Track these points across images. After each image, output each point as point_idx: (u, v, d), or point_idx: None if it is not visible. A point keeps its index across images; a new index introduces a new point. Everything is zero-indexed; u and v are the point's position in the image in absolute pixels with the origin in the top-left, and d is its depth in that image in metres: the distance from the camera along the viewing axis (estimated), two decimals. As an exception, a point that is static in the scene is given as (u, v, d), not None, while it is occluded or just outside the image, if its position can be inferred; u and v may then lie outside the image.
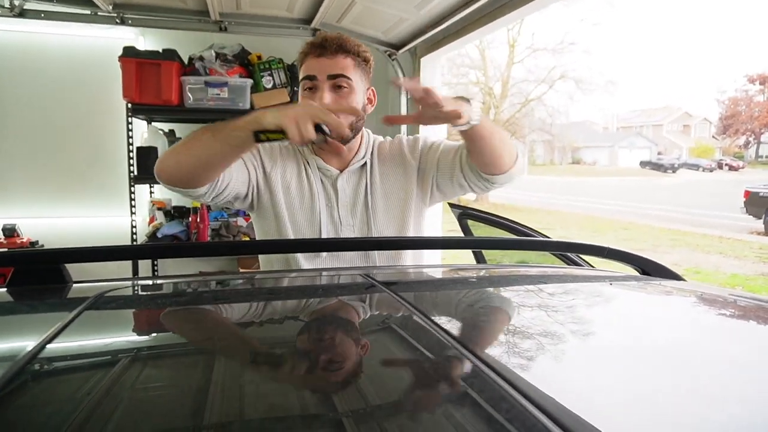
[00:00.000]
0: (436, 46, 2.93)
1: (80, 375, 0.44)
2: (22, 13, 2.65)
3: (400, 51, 3.11)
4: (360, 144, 1.38)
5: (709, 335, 0.57)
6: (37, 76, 3.11)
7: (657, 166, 31.20)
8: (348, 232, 1.34)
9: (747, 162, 31.70)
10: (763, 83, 29.82)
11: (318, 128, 0.97)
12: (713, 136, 37.20)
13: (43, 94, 3.13)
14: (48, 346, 0.46)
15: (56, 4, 2.63)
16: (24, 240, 3.02)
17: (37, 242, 3.09)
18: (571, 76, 18.66)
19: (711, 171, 29.74)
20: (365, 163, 1.36)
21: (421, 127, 3.17)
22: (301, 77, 1.28)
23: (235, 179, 1.24)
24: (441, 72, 3.41)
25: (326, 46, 1.23)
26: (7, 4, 2.58)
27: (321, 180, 1.34)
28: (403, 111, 3.24)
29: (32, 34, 3.04)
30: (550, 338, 0.53)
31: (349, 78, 1.25)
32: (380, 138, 1.45)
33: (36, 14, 2.68)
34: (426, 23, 2.71)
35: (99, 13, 2.70)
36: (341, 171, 1.34)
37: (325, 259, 1.33)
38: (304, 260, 1.31)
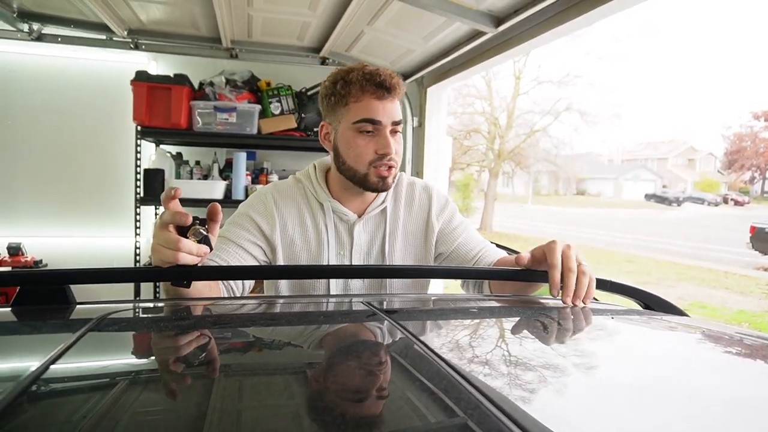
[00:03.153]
0: (442, 77, 2.98)
1: (82, 397, 0.44)
2: (40, 38, 2.72)
3: (407, 81, 3.16)
4: None
5: (710, 374, 0.56)
6: (50, 98, 3.17)
7: (662, 200, 31.19)
8: (358, 283, 1.25)
9: (752, 197, 31.68)
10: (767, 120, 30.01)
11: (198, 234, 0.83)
12: (718, 171, 37.28)
13: (55, 115, 3.19)
14: (51, 367, 0.47)
15: (73, 29, 2.71)
16: (28, 259, 3.04)
17: (41, 261, 3.11)
18: (576, 108, 18.84)
19: (716, 205, 29.71)
20: (386, 207, 1.28)
21: (428, 172, 3.20)
22: (356, 118, 1.14)
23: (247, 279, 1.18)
24: (447, 101, 3.46)
25: (390, 89, 1.14)
26: (26, 29, 2.66)
27: (335, 225, 1.24)
28: (409, 141, 3.27)
29: (48, 57, 3.11)
30: (549, 371, 0.53)
31: (403, 123, 1.21)
32: (403, 175, 1.36)
33: (53, 39, 2.75)
34: (433, 54, 2.76)
35: (114, 38, 2.77)
36: (360, 216, 1.25)
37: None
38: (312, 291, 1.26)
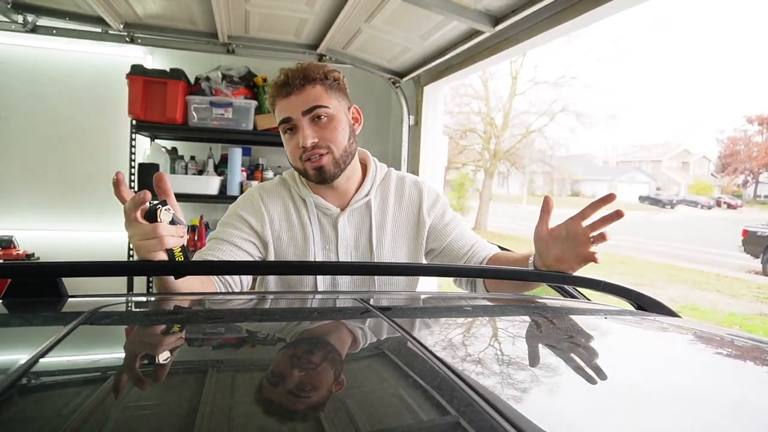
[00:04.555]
0: (439, 76, 2.98)
1: (72, 391, 0.43)
2: (35, 29, 2.70)
3: (404, 79, 3.16)
4: (364, 178, 1.28)
5: (703, 374, 0.56)
6: (44, 90, 3.15)
7: (656, 202, 31.32)
8: (346, 278, 1.25)
9: (745, 201, 31.86)
10: (761, 124, 30.18)
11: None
12: (712, 174, 37.46)
13: (49, 107, 3.17)
14: (41, 360, 0.46)
15: (68, 22, 2.69)
16: (20, 252, 3.02)
17: (33, 255, 3.09)
18: (572, 110, 18.89)
19: (709, 208, 29.83)
20: (370, 200, 1.27)
21: (422, 171, 3.20)
22: (277, 123, 1.19)
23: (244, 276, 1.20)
24: (444, 101, 3.45)
25: (289, 82, 1.14)
26: (20, 21, 2.63)
27: (319, 220, 1.25)
28: (405, 140, 3.27)
29: (43, 49, 3.09)
30: (542, 370, 0.53)
31: (325, 106, 1.15)
32: (393, 171, 1.35)
33: (48, 30, 2.73)
34: (430, 53, 2.76)
35: (110, 32, 2.75)
36: (343, 209, 1.25)
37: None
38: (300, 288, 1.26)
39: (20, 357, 0.46)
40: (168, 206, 0.82)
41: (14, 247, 3.01)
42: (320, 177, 1.18)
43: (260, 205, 1.24)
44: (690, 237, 16.09)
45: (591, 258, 0.99)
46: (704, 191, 34.03)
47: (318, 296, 1.03)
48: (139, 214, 0.79)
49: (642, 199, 32.82)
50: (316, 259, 1.23)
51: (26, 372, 0.43)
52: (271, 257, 1.23)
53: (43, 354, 0.47)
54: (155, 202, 0.81)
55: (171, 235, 0.80)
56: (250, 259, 1.21)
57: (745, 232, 10.79)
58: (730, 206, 30.13)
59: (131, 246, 3.01)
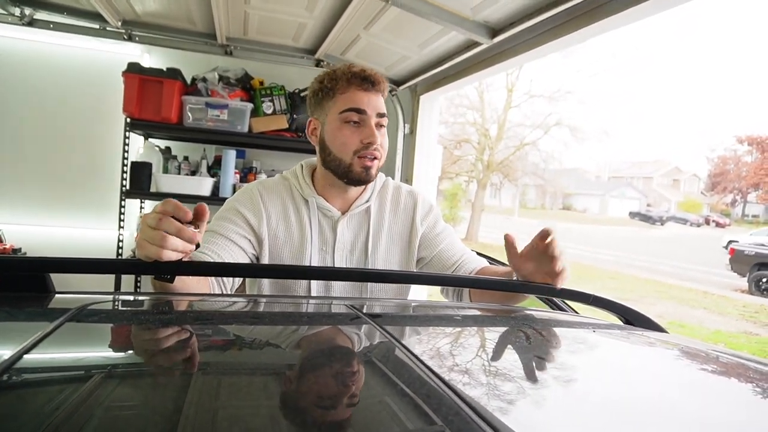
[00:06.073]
0: (435, 85, 2.99)
1: (56, 389, 0.43)
2: (32, 23, 2.68)
3: (401, 87, 3.17)
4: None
5: (687, 389, 0.57)
6: (39, 84, 3.12)
7: (646, 218, 31.61)
8: (339, 281, 1.26)
9: (733, 220, 32.21)
10: (751, 144, 30.59)
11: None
12: (702, 192, 37.86)
13: (43, 101, 3.14)
14: (25, 356, 0.46)
15: (66, 17, 2.68)
16: (7, 246, 2.98)
17: (20, 249, 3.05)
18: (566, 124, 18.98)
19: (698, 226, 30.15)
20: (370, 206, 1.30)
21: (416, 176, 3.21)
22: (343, 108, 1.19)
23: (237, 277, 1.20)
24: (439, 110, 3.47)
25: (374, 82, 1.20)
26: (17, 13, 2.62)
27: (319, 221, 1.26)
28: (399, 148, 3.28)
29: (39, 43, 3.07)
30: (529, 381, 0.53)
31: (387, 117, 1.23)
32: (390, 179, 1.40)
33: (45, 24, 2.71)
34: (427, 63, 2.77)
35: (107, 28, 2.74)
36: (344, 213, 1.27)
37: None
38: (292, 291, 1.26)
39: (4, 353, 0.45)
40: (194, 225, 0.83)
41: (1, 242, 2.98)
42: (365, 176, 1.20)
43: (259, 202, 1.24)
44: (679, 254, 16.22)
45: (558, 274, 0.99)
46: (694, 209, 34.38)
47: (309, 301, 1.03)
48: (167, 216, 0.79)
49: (632, 215, 33.10)
50: (312, 261, 1.23)
51: (9, 368, 0.43)
52: (266, 255, 1.22)
53: (27, 350, 0.47)
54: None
55: (174, 251, 0.79)
56: (244, 254, 1.20)
57: (733, 251, 10.89)
58: (718, 224, 30.47)
59: (122, 240, 2.99)
